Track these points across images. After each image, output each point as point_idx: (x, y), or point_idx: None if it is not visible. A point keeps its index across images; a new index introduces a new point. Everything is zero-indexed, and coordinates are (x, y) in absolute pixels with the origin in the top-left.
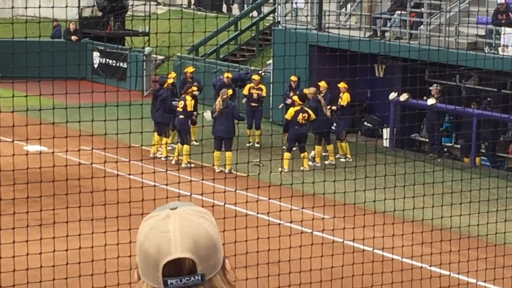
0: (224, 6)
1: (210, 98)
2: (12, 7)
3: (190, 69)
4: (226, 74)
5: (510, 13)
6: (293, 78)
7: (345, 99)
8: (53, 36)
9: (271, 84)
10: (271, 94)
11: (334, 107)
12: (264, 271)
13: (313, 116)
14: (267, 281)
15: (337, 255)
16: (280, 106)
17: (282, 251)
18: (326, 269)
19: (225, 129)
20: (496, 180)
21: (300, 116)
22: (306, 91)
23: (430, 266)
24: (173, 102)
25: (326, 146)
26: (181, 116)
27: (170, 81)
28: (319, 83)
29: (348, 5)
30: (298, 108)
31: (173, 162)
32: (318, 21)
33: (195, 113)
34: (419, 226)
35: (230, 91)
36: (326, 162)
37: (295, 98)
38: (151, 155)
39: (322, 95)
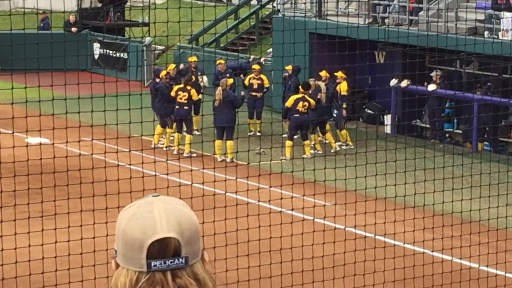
0: None
1: (211, 87)
2: None
3: (193, 59)
4: (218, 61)
5: None
6: (289, 67)
7: (343, 88)
8: (40, 29)
9: (272, 72)
10: (271, 82)
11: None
12: (266, 259)
13: (313, 102)
14: (270, 269)
15: (339, 242)
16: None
17: (284, 238)
18: (328, 256)
19: (226, 118)
20: (498, 164)
21: (301, 104)
22: (324, 74)
23: (432, 251)
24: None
25: (322, 135)
26: (185, 107)
27: (163, 72)
28: (320, 73)
29: None
30: (299, 96)
31: (174, 152)
32: (317, 8)
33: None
34: (421, 211)
35: (230, 80)
36: (332, 151)
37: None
38: (152, 146)
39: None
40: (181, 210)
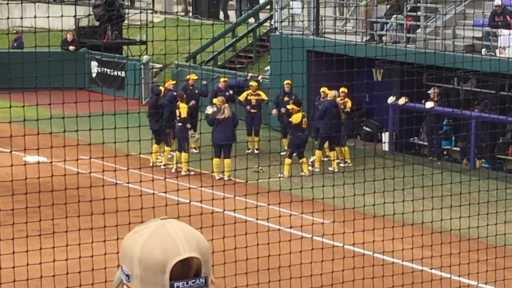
0: (221, 13)
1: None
2: (8, 18)
3: (193, 76)
4: (222, 79)
5: (507, 15)
6: (287, 82)
7: (348, 105)
8: (14, 48)
9: (269, 90)
10: (270, 99)
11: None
12: (264, 277)
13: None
14: (268, 287)
15: (337, 259)
16: (273, 112)
17: (282, 256)
18: (327, 274)
19: (225, 136)
20: (496, 182)
21: (304, 121)
22: (327, 91)
23: (431, 269)
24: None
25: (329, 151)
26: (179, 124)
27: (163, 88)
28: (323, 90)
29: (345, 10)
30: (299, 114)
31: (172, 170)
32: (315, 26)
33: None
34: (419, 229)
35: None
36: (330, 169)
37: (291, 106)
38: (150, 164)
39: (322, 100)
40: (194, 231)
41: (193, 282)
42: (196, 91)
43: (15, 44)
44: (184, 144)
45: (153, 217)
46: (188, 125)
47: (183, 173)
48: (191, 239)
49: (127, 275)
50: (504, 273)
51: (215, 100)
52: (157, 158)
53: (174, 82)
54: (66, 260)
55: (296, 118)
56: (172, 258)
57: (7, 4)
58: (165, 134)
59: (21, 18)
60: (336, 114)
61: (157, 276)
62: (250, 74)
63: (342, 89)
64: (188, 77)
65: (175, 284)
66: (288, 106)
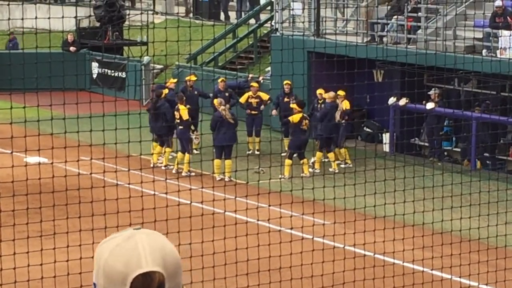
0: (222, 14)
1: (208, 106)
2: (9, 19)
3: (192, 78)
4: (220, 79)
5: (507, 16)
6: (286, 83)
7: (345, 106)
8: (9, 48)
9: (270, 91)
10: (270, 99)
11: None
12: (265, 278)
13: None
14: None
15: (338, 260)
16: (273, 113)
17: (283, 257)
18: (328, 275)
19: (226, 137)
20: (496, 183)
21: (304, 122)
22: (326, 95)
23: (432, 270)
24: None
25: (327, 153)
26: (180, 127)
27: (166, 91)
28: (319, 91)
29: (346, 11)
30: (300, 114)
31: (173, 171)
32: (315, 27)
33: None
34: (420, 230)
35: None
36: (330, 170)
37: (294, 106)
38: (151, 165)
39: (320, 102)
40: (164, 244)
41: None
42: (196, 92)
43: (10, 45)
44: (187, 145)
45: (154, 218)
46: (192, 127)
47: (184, 174)
48: (157, 253)
49: (94, 284)
50: (505, 274)
51: (215, 101)
52: (158, 159)
53: (176, 80)
54: (67, 261)
55: (295, 118)
56: (133, 270)
57: (8, 5)
58: (166, 136)
59: (22, 19)
60: (332, 115)
61: (118, 287)
62: (251, 75)
63: (340, 92)
64: (187, 78)
65: None
66: (291, 106)
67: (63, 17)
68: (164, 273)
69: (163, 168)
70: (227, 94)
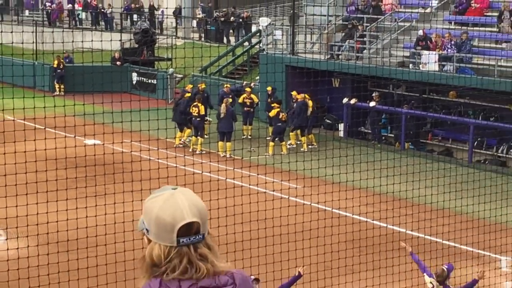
0: (225, 38)
1: (215, 103)
2: (72, 41)
3: (202, 85)
4: (226, 85)
5: (427, 41)
6: (269, 88)
7: (310, 105)
8: (64, 63)
9: (259, 93)
10: (259, 100)
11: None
12: (254, 226)
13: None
14: (257, 233)
15: (306, 213)
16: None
17: (267, 211)
18: (299, 224)
19: (226, 126)
20: (419, 159)
21: (281, 115)
22: (298, 96)
23: (373, 220)
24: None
25: (300, 137)
26: (197, 119)
27: (188, 94)
28: (294, 93)
29: (313, 36)
30: (278, 109)
31: (190, 150)
32: (291, 48)
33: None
34: (365, 192)
35: (230, 99)
36: (302, 149)
37: (274, 104)
38: (174, 146)
39: (294, 101)
40: (196, 199)
41: (194, 238)
42: (206, 95)
43: (67, 60)
44: (201, 131)
45: (176, 184)
46: (207, 118)
47: (197, 152)
48: (193, 207)
49: (147, 229)
50: (424, 223)
51: (224, 101)
52: (180, 141)
53: (192, 86)
54: (114, 213)
55: (272, 112)
56: (179, 222)
57: (72, 31)
58: (184, 124)
59: (82, 41)
60: (306, 111)
61: (167, 233)
62: (245, 82)
63: (305, 95)
64: (199, 85)
65: (180, 240)
66: (272, 104)
67: (111, 40)
68: (200, 221)
69: (181, 146)
70: (230, 96)
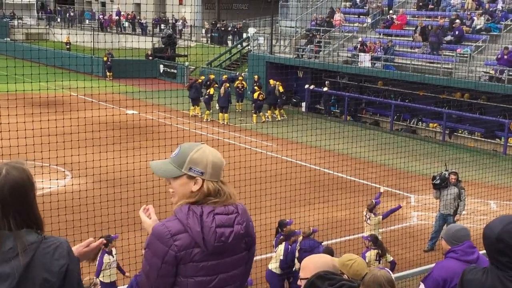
0: (224, 42)
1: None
2: (118, 42)
3: (211, 76)
4: (224, 76)
5: (364, 46)
6: (255, 77)
7: (280, 88)
8: (107, 57)
9: (247, 81)
10: (247, 85)
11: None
12: (243, 170)
13: (263, 95)
14: (244, 176)
15: (279, 163)
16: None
17: (252, 161)
18: (273, 170)
19: (224, 102)
20: (357, 128)
21: (260, 96)
22: (271, 82)
23: (324, 168)
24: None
25: (274, 111)
26: (206, 96)
27: (200, 80)
28: (270, 81)
29: (285, 41)
30: (259, 92)
31: (201, 118)
32: (270, 49)
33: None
34: (319, 149)
35: (227, 84)
36: (277, 119)
37: (256, 88)
38: (189, 115)
39: (271, 86)
40: (216, 151)
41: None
42: (214, 82)
43: (110, 56)
44: (208, 106)
45: (195, 141)
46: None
47: (205, 120)
48: (218, 154)
49: (201, 172)
50: (359, 171)
51: (224, 85)
52: (193, 113)
53: (203, 77)
54: (146, 161)
55: (255, 94)
56: (223, 163)
57: (118, 35)
58: (196, 100)
59: (125, 42)
60: (275, 93)
61: (219, 172)
62: (238, 72)
63: (277, 82)
64: (209, 75)
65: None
66: (256, 88)
67: (145, 42)
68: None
69: (193, 116)
70: (227, 82)
